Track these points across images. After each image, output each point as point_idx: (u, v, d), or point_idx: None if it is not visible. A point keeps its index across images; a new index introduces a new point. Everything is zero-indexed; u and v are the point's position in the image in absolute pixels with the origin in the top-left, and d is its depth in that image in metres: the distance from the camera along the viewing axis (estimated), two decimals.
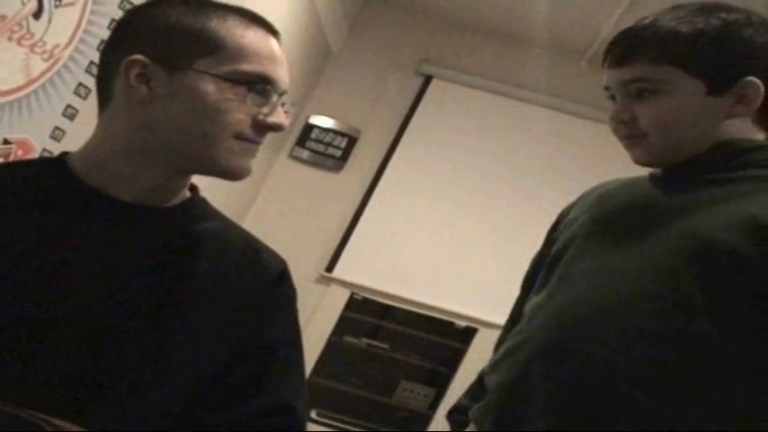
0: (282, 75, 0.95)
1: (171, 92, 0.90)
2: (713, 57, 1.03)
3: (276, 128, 0.95)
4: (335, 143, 4.27)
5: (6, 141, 1.98)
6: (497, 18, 4.13)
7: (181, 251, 0.96)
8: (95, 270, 0.91)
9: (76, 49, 2.12)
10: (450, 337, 4.14)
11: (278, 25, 0.98)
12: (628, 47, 1.07)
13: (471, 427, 1.15)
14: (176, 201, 0.99)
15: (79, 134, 1.95)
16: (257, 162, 0.97)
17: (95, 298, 0.90)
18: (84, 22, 2.12)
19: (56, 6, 1.98)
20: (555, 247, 1.18)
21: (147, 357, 0.90)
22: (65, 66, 2.11)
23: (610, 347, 0.98)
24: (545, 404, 1.01)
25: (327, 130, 4.29)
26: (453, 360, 4.10)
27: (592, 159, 3.79)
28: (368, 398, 4.11)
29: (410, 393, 4.12)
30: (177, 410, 0.92)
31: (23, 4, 1.88)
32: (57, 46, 2.05)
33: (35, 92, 2.03)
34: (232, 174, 0.94)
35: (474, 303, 4.00)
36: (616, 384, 0.96)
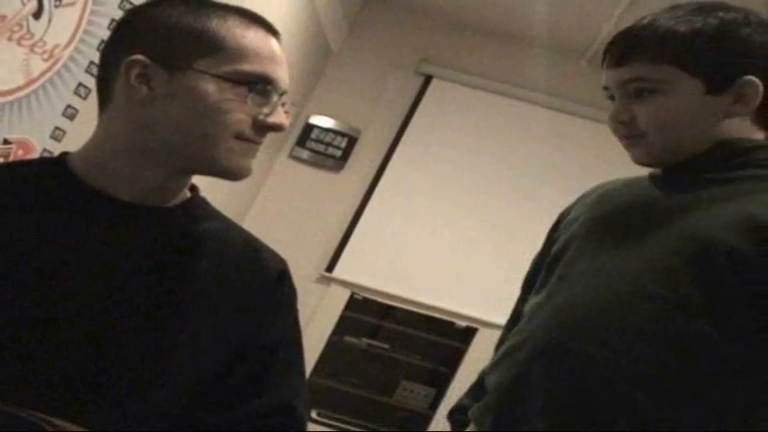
0: (283, 75, 0.95)
1: (171, 92, 0.90)
2: (711, 56, 1.03)
3: (276, 128, 0.95)
4: (335, 143, 4.27)
5: (6, 141, 1.98)
6: (497, 18, 4.13)
7: (181, 251, 0.96)
8: (95, 270, 0.91)
9: (76, 49, 2.12)
10: (450, 337, 4.14)
11: (278, 25, 0.98)
12: (626, 47, 1.07)
13: (471, 426, 1.15)
14: (177, 201, 0.99)
15: (79, 134, 1.95)
16: (257, 162, 0.97)
17: (95, 298, 0.90)
18: (84, 22, 2.12)
19: (56, 6, 1.98)
20: (555, 248, 1.18)
21: (146, 357, 0.90)
22: (65, 66, 2.11)
23: (609, 347, 0.98)
24: (544, 404, 1.01)
25: (327, 130, 4.29)
26: (453, 360, 4.10)
27: (592, 159, 3.79)
28: (368, 398, 4.11)
29: (410, 393, 4.12)
30: (177, 410, 0.92)
31: (23, 4, 1.88)
32: (57, 46, 2.05)
33: (35, 92, 2.03)
34: (232, 174, 0.94)
35: (474, 303, 4.01)
36: (615, 384, 0.96)
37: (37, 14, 1.94)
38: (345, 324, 4.12)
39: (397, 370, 4.18)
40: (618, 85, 1.09)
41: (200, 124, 0.90)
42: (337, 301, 4.11)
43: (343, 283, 4.12)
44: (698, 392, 0.95)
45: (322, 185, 4.27)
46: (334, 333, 4.08)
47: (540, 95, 4.18)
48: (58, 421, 0.82)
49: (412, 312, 4.11)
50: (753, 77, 1.02)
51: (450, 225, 4.11)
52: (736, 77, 1.03)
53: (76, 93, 2.19)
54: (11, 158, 1.99)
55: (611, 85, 1.10)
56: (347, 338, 4.13)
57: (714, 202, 1.01)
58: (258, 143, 0.95)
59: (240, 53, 0.91)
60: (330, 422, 3.96)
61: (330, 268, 4.14)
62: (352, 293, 4.12)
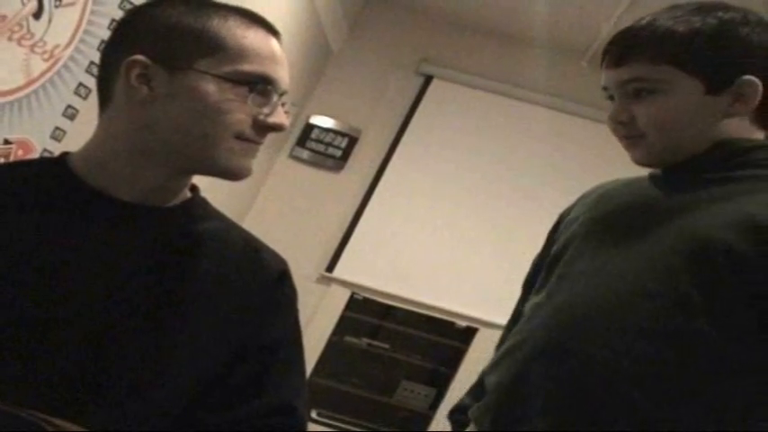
0: (283, 75, 0.95)
1: (172, 92, 0.90)
2: (710, 56, 1.03)
3: (277, 128, 0.95)
4: (336, 143, 4.27)
5: (7, 141, 1.98)
6: (497, 18, 4.13)
7: (181, 251, 0.96)
8: (96, 270, 0.91)
9: (77, 50, 2.12)
10: (450, 337, 4.14)
11: (278, 25, 0.98)
12: (625, 47, 1.07)
13: (471, 426, 1.15)
14: (177, 201, 0.99)
15: (80, 134, 1.94)
16: (257, 162, 0.97)
17: (96, 298, 0.90)
18: (84, 22, 2.12)
19: (56, 6, 1.98)
20: (555, 247, 1.18)
21: (147, 357, 0.90)
22: (65, 66, 2.11)
23: (609, 347, 0.98)
24: (544, 404, 1.01)
25: (328, 130, 4.29)
26: (454, 360, 4.10)
27: (592, 159, 3.79)
28: (368, 398, 4.11)
29: (411, 393, 4.12)
30: (177, 410, 0.92)
31: (23, 4, 1.88)
32: (57, 46, 2.05)
33: (35, 92, 2.03)
34: (233, 174, 0.94)
35: (474, 303, 4.01)
36: (615, 384, 0.97)
37: (37, 14, 1.94)
38: (346, 324, 4.12)
39: (397, 370, 4.18)
40: (617, 86, 1.09)
41: (201, 124, 0.90)
42: (337, 301, 4.11)
43: (344, 283, 4.12)
44: (697, 392, 0.95)
45: (322, 185, 4.27)
46: (334, 333, 4.08)
47: (541, 95, 4.18)
48: (58, 421, 0.82)
49: (412, 312, 4.11)
50: (752, 77, 1.02)
51: (451, 225, 4.11)
52: (735, 77, 1.03)
53: (77, 93, 2.19)
54: (11, 158, 1.99)
55: (610, 85, 1.10)
56: (347, 338, 4.13)
57: (713, 201, 1.01)
58: (258, 143, 0.95)
59: (241, 53, 0.91)
60: (330, 422, 3.96)
61: (330, 268, 4.14)
62: (353, 293, 4.12)
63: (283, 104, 0.96)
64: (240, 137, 0.92)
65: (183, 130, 0.91)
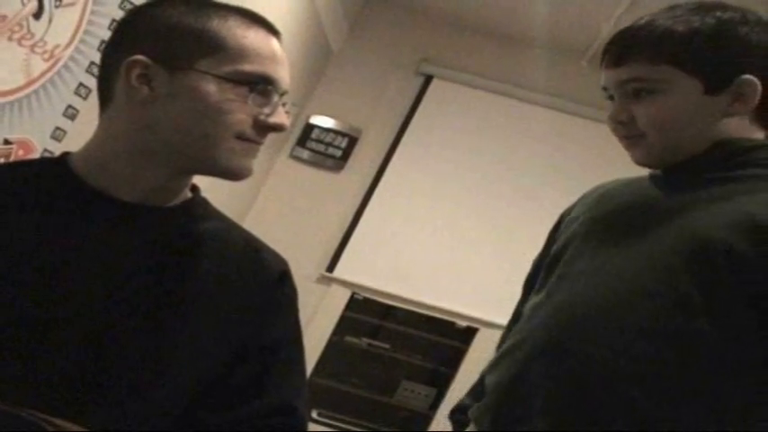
0: (284, 75, 0.95)
1: (172, 92, 0.90)
2: (709, 55, 1.03)
3: (277, 128, 0.95)
4: (336, 143, 4.27)
5: (7, 141, 1.98)
6: (498, 18, 4.13)
7: (182, 251, 0.96)
8: (96, 270, 0.91)
9: (77, 50, 2.12)
10: (450, 337, 4.14)
11: (278, 25, 0.98)
12: (624, 47, 1.07)
13: (471, 426, 1.15)
14: (177, 201, 0.99)
15: (80, 134, 1.95)
16: (258, 162, 0.97)
17: (96, 298, 0.90)
18: (84, 22, 2.12)
19: (56, 6, 1.98)
20: (555, 247, 1.18)
21: (147, 357, 0.90)
22: (65, 66, 2.11)
23: (608, 347, 0.98)
24: (543, 403, 1.01)
25: (328, 130, 4.29)
26: (454, 360, 4.10)
27: (592, 159, 3.79)
28: (369, 398, 4.11)
29: (411, 393, 4.12)
30: (178, 411, 0.92)
31: (24, 4, 1.88)
32: (57, 46, 2.05)
33: (36, 92, 2.03)
34: (233, 174, 0.94)
35: (475, 303, 4.01)
36: (615, 384, 0.97)
37: (37, 15, 1.94)
38: (346, 324, 4.12)
39: (397, 370, 4.18)
40: (616, 86, 1.09)
41: (201, 124, 0.90)
42: (338, 301, 4.11)
43: (344, 283, 4.12)
44: (697, 391, 0.95)
45: (322, 185, 4.27)
46: (334, 333, 4.08)
47: (541, 95, 4.17)
48: (58, 421, 0.82)
49: (412, 312, 4.10)
50: (751, 76, 1.02)
51: (451, 225, 4.11)
52: (735, 77, 1.03)
53: (77, 93, 2.19)
54: (11, 159, 1.99)
55: (609, 85, 1.10)
56: (348, 338, 4.13)
57: (713, 201, 1.01)
58: (259, 143, 0.95)
59: (241, 53, 0.91)
60: (331, 422, 3.96)
61: (331, 268, 4.14)
62: (353, 293, 4.12)
63: (284, 104, 0.96)
64: (241, 137, 0.92)
65: (183, 131, 0.91)
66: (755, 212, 0.96)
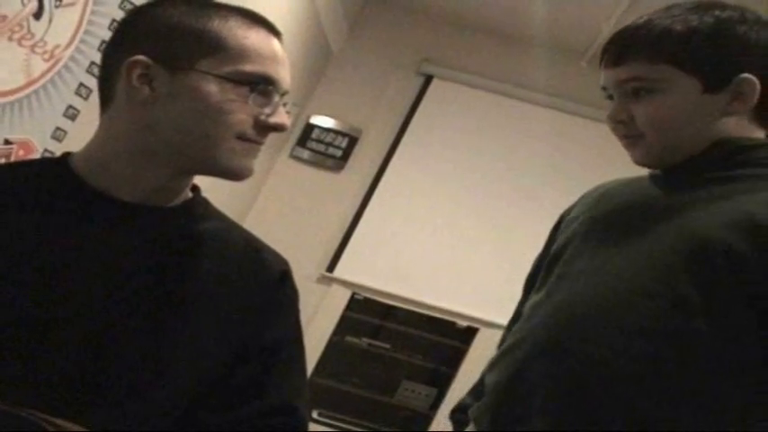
0: (284, 75, 0.95)
1: (173, 92, 0.90)
2: (708, 54, 1.03)
3: (278, 128, 0.95)
4: (336, 143, 4.27)
5: (8, 142, 1.98)
6: (498, 18, 4.13)
7: (182, 251, 0.96)
8: (97, 270, 0.91)
9: (77, 50, 2.12)
10: (451, 337, 4.14)
11: (279, 25, 0.98)
12: (623, 46, 1.07)
13: (471, 426, 1.15)
14: (178, 201, 0.99)
15: (81, 135, 1.95)
16: (258, 162, 0.97)
17: (96, 298, 0.90)
18: (84, 22, 2.12)
19: (56, 7, 1.99)
20: (554, 247, 1.18)
21: (147, 357, 0.90)
22: (65, 66, 2.11)
23: (608, 346, 0.98)
24: (543, 403, 1.01)
25: (328, 130, 4.29)
26: (455, 360, 4.10)
27: (592, 159, 3.79)
28: (369, 398, 4.11)
29: (411, 393, 4.12)
30: (179, 411, 0.92)
31: (24, 4, 1.88)
32: (57, 46, 2.05)
33: (36, 92, 2.03)
34: (234, 174, 0.94)
35: (475, 303, 4.01)
36: (614, 383, 0.96)
37: (37, 15, 1.94)
38: (346, 324, 4.12)
39: (398, 370, 4.19)
40: (616, 85, 1.09)
41: (202, 124, 0.90)
42: (338, 301, 4.11)
43: (344, 283, 4.12)
44: (696, 391, 0.95)
45: (323, 185, 4.27)
46: (335, 333, 4.08)
47: (541, 95, 4.18)
48: (59, 421, 0.82)
49: (413, 312, 4.11)
50: (749, 75, 1.02)
51: (451, 225, 4.11)
52: (733, 76, 1.03)
53: (77, 93, 2.19)
54: (12, 159, 1.99)
55: (609, 84, 1.10)
56: (348, 338, 4.13)
57: (713, 200, 1.01)
58: (260, 143, 0.95)
59: (242, 53, 0.91)
60: (331, 422, 3.97)
61: (331, 268, 4.14)
62: (353, 293, 4.12)
63: (284, 104, 0.96)
64: (241, 137, 0.92)
65: (184, 131, 0.91)
66: (755, 212, 0.96)
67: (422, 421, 4.08)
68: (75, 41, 2.11)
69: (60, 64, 2.09)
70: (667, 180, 1.10)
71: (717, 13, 1.04)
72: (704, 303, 0.95)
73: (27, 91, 2.00)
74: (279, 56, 0.95)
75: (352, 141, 4.27)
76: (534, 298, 1.15)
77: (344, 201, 4.22)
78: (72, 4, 2.05)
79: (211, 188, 1.09)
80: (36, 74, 2.01)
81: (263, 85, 0.92)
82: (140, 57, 0.90)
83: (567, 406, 0.99)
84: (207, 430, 0.94)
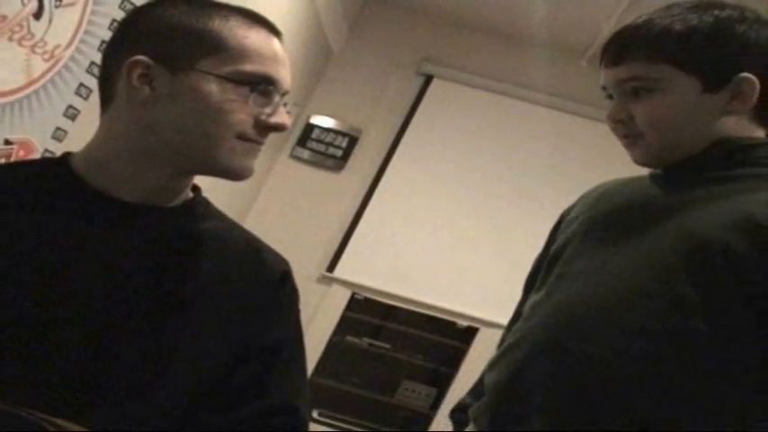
0: (285, 75, 0.95)
1: (173, 92, 0.90)
2: (707, 53, 1.03)
3: (278, 128, 0.95)
4: (336, 143, 4.27)
5: (8, 142, 1.98)
6: (498, 17, 4.13)
7: (183, 251, 0.96)
8: (97, 270, 0.91)
9: (77, 50, 2.12)
10: (451, 337, 4.14)
11: (279, 25, 0.98)
12: (623, 46, 1.07)
13: (471, 426, 1.15)
14: (179, 201, 0.99)
15: (81, 135, 1.95)
16: (258, 162, 0.97)
17: (97, 298, 0.90)
18: (84, 22, 2.12)
19: (56, 7, 1.99)
20: (554, 246, 1.18)
21: (147, 358, 0.90)
22: (66, 66, 2.11)
23: (607, 346, 0.98)
24: (542, 402, 1.01)
25: (328, 130, 4.29)
26: (455, 360, 4.10)
27: (592, 159, 3.79)
28: (369, 398, 4.11)
29: (412, 393, 4.12)
30: (179, 411, 0.92)
31: (24, 4, 1.88)
32: (57, 46, 2.05)
33: (36, 92, 2.03)
34: (235, 174, 0.94)
35: (475, 303, 4.01)
36: (613, 383, 0.96)
37: (37, 15, 1.94)
38: (347, 324, 4.13)
39: (398, 370, 4.19)
40: (615, 85, 1.09)
41: (203, 124, 0.90)
42: (338, 300, 4.11)
43: (344, 283, 4.12)
44: (695, 391, 0.94)
45: (323, 185, 4.27)
46: (335, 333, 4.09)
47: (541, 95, 4.18)
48: (59, 421, 0.82)
49: (413, 312, 4.11)
50: (749, 75, 1.02)
51: (451, 225, 4.11)
52: (733, 75, 1.03)
53: (78, 93, 2.19)
54: (12, 159, 1.99)
55: (608, 84, 1.10)
56: (348, 338, 4.13)
57: (712, 200, 1.01)
58: (260, 143, 0.95)
59: (242, 53, 0.91)
60: (331, 422, 3.97)
61: (331, 268, 4.14)
62: (353, 293, 4.13)
63: (285, 104, 0.96)
64: (242, 137, 0.92)
65: (184, 131, 0.91)
66: (755, 212, 0.96)
67: (422, 421, 4.08)
68: (76, 41, 2.11)
69: (60, 64, 2.09)
70: (667, 179, 1.10)
71: (716, 12, 1.04)
72: (703, 303, 0.95)
73: (27, 91, 2.00)
74: (279, 56, 0.95)
75: (352, 141, 4.27)
76: (534, 298, 1.15)
77: (344, 201, 4.22)
78: (72, 4, 2.05)
79: (212, 188, 1.09)
80: (36, 74, 2.01)
81: (263, 85, 0.92)
82: (141, 57, 0.90)
83: (566, 406, 0.99)
84: (207, 430, 0.94)
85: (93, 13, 2.14)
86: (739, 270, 0.94)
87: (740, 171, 1.03)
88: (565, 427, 0.99)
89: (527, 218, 3.95)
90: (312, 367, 3.86)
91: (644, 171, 1.16)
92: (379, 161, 4.24)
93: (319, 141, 4.28)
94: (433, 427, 4.00)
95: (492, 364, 1.15)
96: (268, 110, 0.93)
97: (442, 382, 4.12)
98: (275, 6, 3.26)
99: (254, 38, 0.93)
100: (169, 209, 0.98)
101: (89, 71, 2.19)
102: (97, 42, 2.17)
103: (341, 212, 4.21)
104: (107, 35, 2.16)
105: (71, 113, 2.19)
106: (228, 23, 0.92)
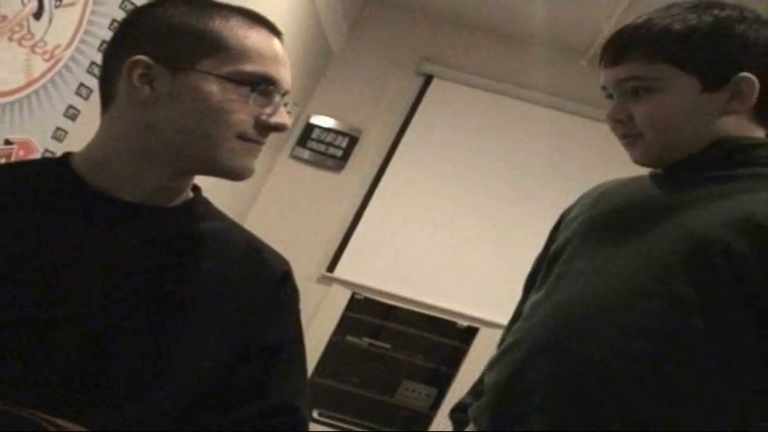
0: (285, 75, 0.95)
1: (174, 92, 0.90)
2: (706, 53, 1.03)
3: (279, 128, 0.95)
4: (336, 143, 4.27)
5: (8, 142, 1.98)
6: (498, 17, 4.13)
7: (183, 251, 0.96)
8: (97, 270, 0.91)
9: (77, 50, 2.12)
10: (451, 337, 4.14)
11: (279, 25, 0.98)
12: (622, 45, 1.07)
13: (471, 426, 1.15)
14: (179, 201, 0.99)
15: (81, 135, 1.95)
16: (258, 162, 0.97)
17: (97, 298, 0.90)
18: (84, 22, 2.12)
19: (56, 7, 1.99)
20: (554, 246, 1.18)
21: (148, 358, 0.90)
22: (66, 66, 2.11)
23: (607, 346, 0.98)
24: (542, 402, 1.01)
25: (328, 130, 4.29)
26: (455, 359, 4.10)
27: (592, 159, 3.79)
28: (370, 397, 4.11)
29: (412, 393, 4.12)
30: (179, 411, 0.92)
31: (24, 4, 1.88)
32: (57, 46, 2.05)
33: (36, 92, 2.03)
34: (235, 174, 0.94)
35: (475, 303, 4.01)
36: (613, 383, 0.96)
37: (37, 15, 1.94)
38: (347, 324, 4.13)
39: (398, 370, 4.19)
40: (615, 84, 1.09)
41: (203, 124, 0.90)
42: (338, 300, 4.11)
43: (345, 283, 4.12)
44: (695, 391, 0.94)
45: (323, 185, 4.27)
46: (335, 333, 4.09)
47: (541, 95, 4.18)
48: (59, 421, 0.82)
49: (413, 312, 4.11)
50: (749, 74, 1.02)
51: (451, 225, 4.11)
52: (732, 74, 1.03)
53: (78, 93, 2.19)
54: (12, 159, 1.99)
55: (608, 84, 1.10)
56: (349, 338, 4.13)
57: (712, 199, 1.01)
58: (261, 143, 0.95)
59: (243, 53, 0.91)
60: (332, 422, 3.97)
61: (331, 268, 4.14)
62: (354, 293, 4.13)
63: (285, 104, 0.96)
64: (242, 137, 0.92)
65: (185, 131, 0.91)
66: (755, 211, 0.96)
67: (422, 421, 4.08)
68: (76, 41, 2.11)
69: (61, 64, 2.09)
70: (667, 179, 1.10)
71: (716, 12, 1.05)
72: (702, 303, 0.95)
73: (27, 91, 2.00)
74: (280, 56, 0.95)
75: (353, 141, 4.27)
76: (534, 297, 1.15)
77: (344, 201, 4.22)
78: (72, 4, 2.05)
79: (212, 188, 1.09)
80: (36, 74, 2.01)
81: (263, 85, 0.92)
82: (141, 57, 0.90)
83: (566, 405, 0.99)
84: (207, 430, 0.94)
85: (93, 13, 2.14)
86: (739, 270, 0.94)
87: (740, 171, 1.03)
88: (565, 426, 0.99)
89: (527, 218, 3.95)
90: (312, 367, 3.86)
91: (644, 171, 1.15)
92: (379, 161, 4.25)
93: (319, 141, 4.28)
94: (433, 427, 4.01)
95: (492, 364, 1.15)
96: (268, 110, 0.93)
97: (442, 382, 4.12)
98: (275, 6, 3.26)
99: (255, 38, 0.93)
100: (169, 209, 0.98)
101: (89, 71, 2.19)
102: (97, 42, 2.17)
103: (341, 212, 4.21)
104: (107, 35, 2.16)
105: (71, 113, 2.19)
106: (229, 23, 0.92)
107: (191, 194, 1.02)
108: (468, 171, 4.16)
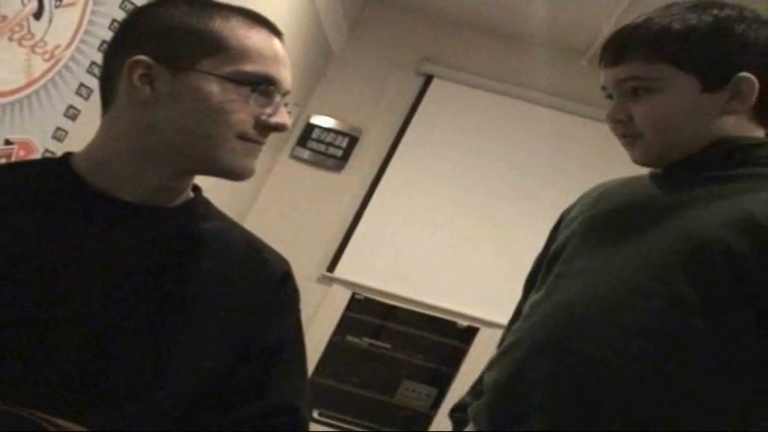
0: (285, 75, 0.95)
1: (174, 92, 0.91)
2: (706, 53, 1.03)
3: (279, 128, 0.95)
4: (336, 143, 4.27)
5: (8, 142, 1.98)
6: (498, 17, 4.13)
7: (183, 251, 0.97)
8: (97, 270, 0.91)
9: (77, 50, 2.12)
10: (451, 337, 4.14)
11: (279, 25, 0.98)
12: (622, 45, 1.07)
13: (470, 426, 1.15)
14: (179, 201, 1.00)
15: (82, 135, 1.95)
16: (258, 162, 0.97)
17: (97, 298, 0.90)
18: (84, 22, 2.12)
19: (56, 7, 1.99)
20: (554, 246, 1.18)
21: (148, 358, 0.90)
22: (66, 66, 2.11)
23: (607, 346, 0.98)
24: (541, 402, 1.01)
25: (328, 130, 4.29)
26: (455, 359, 4.10)
27: (592, 159, 3.79)
28: (370, 397, 4.11)
29: (412, 393, 4.12)
30: (179, 411, 0.92)
31: (24, 4, 1.88)
32: (58, 46, 2.05)
33: (36, 92, 2.03)
34: (235, 174, 0.94)
35: (475, 303, 4.01)
36: (613, 383, 0.96)
37: (37, 15, 1.94)
38: (347, 324, 4.13)
39: (398, 370, 4.19)
40: (615, 84, 1.09)
41: (203, 124, 0.90)
42: (339, 300, 4.11)
43: (345, 283, 4.12)
44: (695, 391, 0.94)
45: (323, 185, 4.27)
46: (335, 333, 4.09)
47: (541, 95, 4.18)
48: (59, 421, 0.82)
49: (413, 312, 4.11)
50: (748, 74, 1.02)
51: (451, 225, 4.11)
52: (732, 74, 1.03)
53: (78, 93, 2.19)
54: (13, 159, 1.99)
55: (608, 84, 1.10)
56: (349, 338, 4.13)
57: (712, 199, 1.01)
58: (261, 143, 0.95)
59: (243, 54, 0.91)
60: (332, 422, 3.97)
61: (331, 268, 4.14)
62: (354, 293, 4.13)
63: (285, 105, 0.96)
64: (243, 137, 0.92)
65: (185, 131, 0.91)
66: (755, 211, 0.96)
67: (422, 421, 4.08)
68: (76, 41, 2.11)
69: (61, 64, 2.09)
70: (667, 179, 1.10)
71: (715, 11, 1.04)
72: (702, 303, 0.95)
73: (27, 91, 2.00)
74: (280, 56, 0.95)
75: (353, 141, 4.27)
76: (534, 297, 1.15)
77: (344, 201, 4.22)
78: (72, 4, 2.05)
79: (212, 188, 1.09)
80: (36, 74, 2.01)
81: (264, 86, 0.92)
82: (142, 57, 0.90)
83: (566, 405, 0.99)
84: (207, 430, 0.94)
85: (93, 13, 2.14)
86: (739, 270, 0.94)
87: (740, 171, 1.03)
88: (564, 426, 0.99)
89: (527, 218, 3.95)
90: (312, 367, 3.86)
91: (644, 171, 1.15)
92: (379, 161, 4.24)
93: (319, 141, 4.28)
94: (434, 426, 4.01)
95: (492, 364, 1.15)
96: (269, 110, 0.93)
97: (442, 382, 4.12)
98: (275, 6, 3.26)
99: (255, 38, 0.93)
100: (170, 209, 0.98)
101: (89, 71, 2.19)
102: (97, 42, 2.17)
103: (341, 212, 4.21)
104: (107, 35, 2.16)
105: (71, 113, 2.19)
106: (229, 24, 0.92)
107: (191, 195, 1.02)
108: (468, 171, 4.16)
